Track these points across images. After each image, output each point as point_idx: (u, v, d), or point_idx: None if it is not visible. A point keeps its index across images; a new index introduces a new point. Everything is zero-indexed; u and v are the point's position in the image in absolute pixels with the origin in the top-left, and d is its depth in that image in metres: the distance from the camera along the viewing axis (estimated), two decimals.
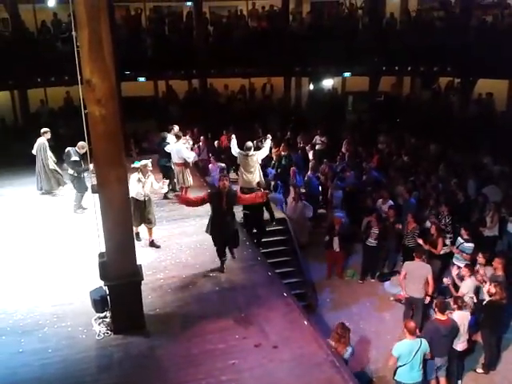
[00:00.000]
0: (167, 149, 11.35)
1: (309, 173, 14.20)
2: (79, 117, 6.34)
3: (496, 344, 8.02)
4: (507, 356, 8.19)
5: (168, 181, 9.96)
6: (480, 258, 8.80)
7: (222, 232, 7.87)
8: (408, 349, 6.38)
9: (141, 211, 8.70)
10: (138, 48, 17.89)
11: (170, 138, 11.58)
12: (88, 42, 5.48)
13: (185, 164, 11.07)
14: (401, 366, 6.44)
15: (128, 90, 17.31)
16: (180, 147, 11.00)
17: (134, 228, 8.55)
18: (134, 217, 8.41)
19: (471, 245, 9.25)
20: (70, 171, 10.70)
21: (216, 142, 16.43)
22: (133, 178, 8.53)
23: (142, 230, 9.04)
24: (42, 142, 11.58)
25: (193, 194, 11.47)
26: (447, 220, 10.55)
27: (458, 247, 9.39)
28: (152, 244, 8.95)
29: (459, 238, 9.50)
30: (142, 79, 18.58)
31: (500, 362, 8.06)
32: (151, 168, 8.96)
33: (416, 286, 8.49)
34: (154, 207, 9.13)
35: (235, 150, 10.81)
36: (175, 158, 11.10)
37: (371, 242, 10.56)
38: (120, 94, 15.39)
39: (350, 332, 6.76)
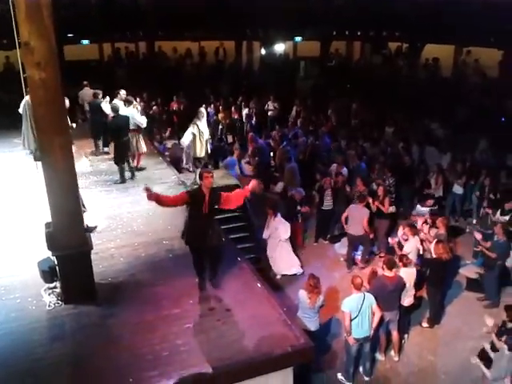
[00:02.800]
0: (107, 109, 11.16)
1: (260, 140, 14.21)
2: (20, 82, 6.07)
3: (440, 299, 8.49)
4: (450, 310, 8.70)
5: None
6: (428, 219, 9.23)
7: (201, 240, 6.17)
8: (355, 303, 6.68)
9: None
10: (81, 9, 17.06)
11: (118, 103, 11.27)
12: (25, 1, 5.17)
13: (137, 130, 10.82)
14: (351, 321, 6.73)
15: (72, 54, 16.58)
16: (132, 112, 10.73)
17: None
18: None
19: (427, 209, 9.99)
20: None
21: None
22: None
23: None
24: (28, 100, 11.12)
25: (145, 162, 11.42)
26: (390, 181, 10.96)
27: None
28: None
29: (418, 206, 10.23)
30: (85, 42, 17.81)
31: (444, 316, 8.55)
32: None
33: (356, 226, 9.66)
34: None
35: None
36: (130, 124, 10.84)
37: (326, 205, 10.81)
38: (62, 57, 14.72)
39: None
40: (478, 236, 9.12)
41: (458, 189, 11.40)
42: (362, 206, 9.72)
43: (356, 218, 9.68)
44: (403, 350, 7.82)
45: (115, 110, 10.39)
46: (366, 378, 7.22)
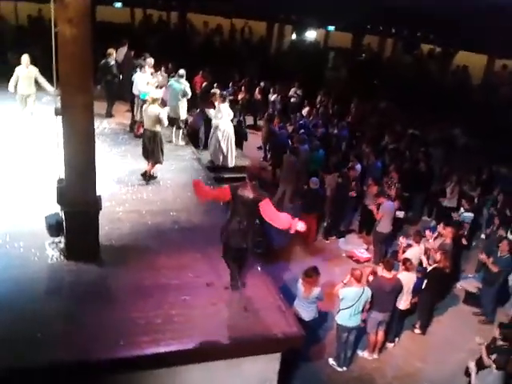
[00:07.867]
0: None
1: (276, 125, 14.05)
2: (49, 36, 6.06)
3: (431, 308, 8.39)
4: (444, 320, 8.61)
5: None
6: (440, 228, 9.05)
7: (240, 240, 5.80)
8: (353, 295, 6.73)
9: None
10: None
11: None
12: None
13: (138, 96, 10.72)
14: (343, 310, 6.79)
15: (104, 16, 16.55)
16: (138, 79, 10.62)
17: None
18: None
19: (471, 215, 9.82)
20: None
21: None
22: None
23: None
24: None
25: None
26: (396, 186, 10.75)
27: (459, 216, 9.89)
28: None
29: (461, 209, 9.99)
30: (118, 5, 17.75)
31: (437, 325, 8.46)
32: None
33: (388, 223, 9.50)
34: None
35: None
36: (135, 90, 10.77)
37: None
38: (94, 16, 14.63)
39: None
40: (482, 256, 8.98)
41: None
42: (389, 201, 9.55)
43: (390, 217, 9.53)
44: (392, 353, 7.81)
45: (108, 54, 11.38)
46: (340, 369, 7.24)
